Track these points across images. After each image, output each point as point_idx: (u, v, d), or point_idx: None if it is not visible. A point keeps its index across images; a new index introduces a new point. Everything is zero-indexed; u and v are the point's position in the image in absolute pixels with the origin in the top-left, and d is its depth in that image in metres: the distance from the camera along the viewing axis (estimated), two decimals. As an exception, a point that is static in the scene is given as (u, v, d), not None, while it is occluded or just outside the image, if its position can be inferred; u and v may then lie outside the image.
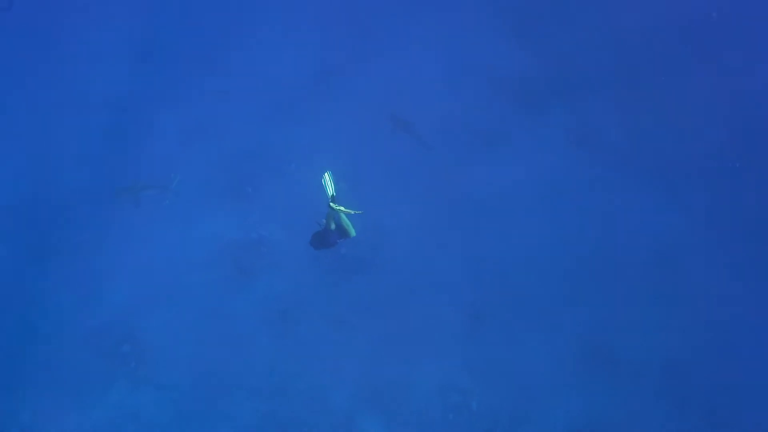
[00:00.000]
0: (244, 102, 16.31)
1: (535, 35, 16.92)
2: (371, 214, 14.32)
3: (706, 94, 16.32)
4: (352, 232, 10.10)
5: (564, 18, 17.08)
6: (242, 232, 14.75)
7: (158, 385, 13.52)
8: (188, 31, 17.39)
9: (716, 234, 14.64)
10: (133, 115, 16.32)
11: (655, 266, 14.29)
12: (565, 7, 17.22)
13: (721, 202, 14.97)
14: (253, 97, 16.33)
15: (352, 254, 14.09)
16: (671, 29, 16.95)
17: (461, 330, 13.81)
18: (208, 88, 16.59)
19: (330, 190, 9.54)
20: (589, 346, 13.66)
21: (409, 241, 14.60)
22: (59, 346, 13.85)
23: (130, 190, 15.08)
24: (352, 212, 9.74)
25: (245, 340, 13.84)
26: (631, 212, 14.77)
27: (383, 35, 17.09)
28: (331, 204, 9.61)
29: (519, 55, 16.67)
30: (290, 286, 14.14)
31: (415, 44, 16.88)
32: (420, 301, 14.03)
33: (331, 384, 13.46)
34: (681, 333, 13.73)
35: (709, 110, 16.06)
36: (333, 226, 10.30)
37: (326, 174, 9.59)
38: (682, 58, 16.75)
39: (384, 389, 13.38)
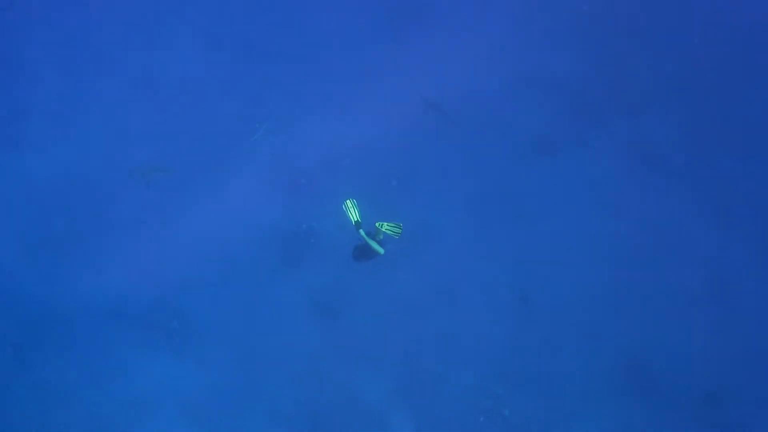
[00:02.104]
0: (304, 96, 16.73)
1: (598, 43, 16.75)
2: (418, 211, 14.78)
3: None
4: (381, 251, 10.70)
5: (630, 28, 16.87)
6: (293, 223, 15.11)
7: (201, 361, 13.97)
8: (257, 24, 17.86)
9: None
10: (198, 100, 16.91)
11: (705, 291, 13.98)
12: (631, 17, 17.00)
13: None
14: (313, 92, 16.74)
15: (396, 251, 14.27)
16: (746, 43, 16.53)
17: (499, 334, 13.82)
18: (272, 80, 17.04)
19: (353, 216, 10.24)
20: (630, 366, 13.45)
21: (455, 240, 14.70)
22: (113, 316, 14.45)
23: (141, 171, 15.56)
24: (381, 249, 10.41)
25: (287, 327, 14.18)
26: (685, 233, 14.49)
27: (438, 36, 17.27)
28: (361, 232, 10.29)
29: (579, 63, 16.58)
30: (335, 278, 14.40)
31: (472, 47, 16.99)
32: (460, 301, 14.11)
33: (367, 378, 13.66)
34: (728, 362, 13.37)
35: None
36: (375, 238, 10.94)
37: (348, 201, 10.26)
38: (756, 75, 16.30)
39: (418, 387, 13.50)
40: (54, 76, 17.29)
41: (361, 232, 10.49)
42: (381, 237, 11.15)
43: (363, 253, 11.09)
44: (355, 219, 10.49)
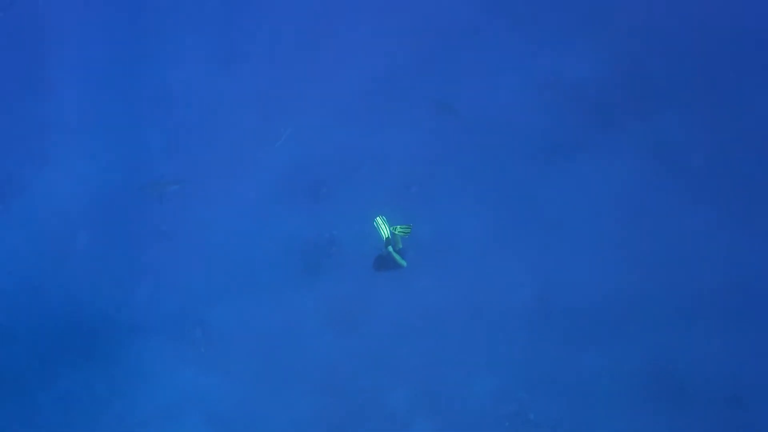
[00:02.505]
0: (324, 106, 16.82)
1: (613, 40, 16.71)
2: (438, 218, 14.84)
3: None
4: (403, 264, 10.99)
5: (645, 24, 16.87)
6: (314, 232, 15.22)
7: (224, 371, 14.11)
8: (271, 36, 18.05)
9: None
10: (216, 114, 17.11)
11: (728, 294, 13.81)
12: (648, 13, 17.03)
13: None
14: (333, 101, 16.82)
15: (417, 260, 14.35)
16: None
17: (521, 339, 13.83)
18: (290, 92, 17.12)
19: (384, 232, 10.52)
20: (654, 369, 13.36)
21: (474, 247, 14.73)
22: (137, 327, 14.70)
23: (155, 186, 15.80)
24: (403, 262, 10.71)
25: (309, 336, 14.30)
26: (706, 236, 14.37)
27: (452, 40, 17.35)
28: (389, 248, 10.56)
29: (594, 61, 16.53)
30: (356, 287, 14.46)
31: (484, 48, 17.10)
32: (481, 307, 14.12)
33: (390, 386, 13.72)
34: (752, 365, 13.22)
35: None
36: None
37: (379, 219, 10.55)
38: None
39: (442, 394, 13.54)
40: (71, 91, 17.61)
41: (390, 248, 10.68)
42: (400, 246, 11.31)
43: (384, 263, 11.26)
44: (386, 235, 10.70)
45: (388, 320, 14.19)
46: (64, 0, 18.46)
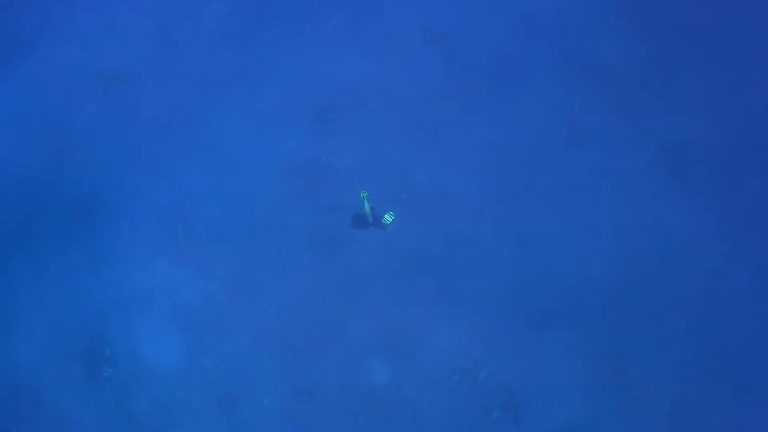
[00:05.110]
0: (340, 31, 16.70)
1: (649, 33, 16.59)
2: (436, 167, 14.85)
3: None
4: (389, 228, 11.50)
5: (685, 24, 16.72)
6: (314, 153, 15.20)
7: (198, 269, 14.29)
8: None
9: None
10: (239, 17, 16.98)
11: (700, 305, 14.15)
12: (690, 16, 16.80)
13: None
14: (349, 31, 16.70)
15: (408, 201, 14.56)
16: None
17: (495, 301, 14.06)
18: (314, 12, 16.94)
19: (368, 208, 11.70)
20: (611, 361, 13.70)
21: (466, 204, 14.84)
22: (121, 209, 14.79)
23: (103, 79, 15.84)
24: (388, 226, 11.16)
25: (288, 252, 14.43)
26: (693, 243, 14.59)
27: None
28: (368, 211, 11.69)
29: (624, 49, 16.42)
30: (344, 216, 14.30)
31: (518, 22, 16.89)
32: (462, 261, 14.32)
33: (354, 317, 13.95)
34: (705, 376, 13.65)
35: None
36: (370, 219, 11.60)
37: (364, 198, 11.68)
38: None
39: (402, 336, 13.80)
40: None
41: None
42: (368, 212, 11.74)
43: (360, 223, 11.68)
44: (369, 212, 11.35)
45: (367, 255, 14.35)
46: None
